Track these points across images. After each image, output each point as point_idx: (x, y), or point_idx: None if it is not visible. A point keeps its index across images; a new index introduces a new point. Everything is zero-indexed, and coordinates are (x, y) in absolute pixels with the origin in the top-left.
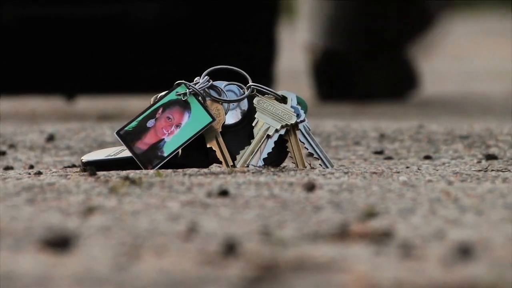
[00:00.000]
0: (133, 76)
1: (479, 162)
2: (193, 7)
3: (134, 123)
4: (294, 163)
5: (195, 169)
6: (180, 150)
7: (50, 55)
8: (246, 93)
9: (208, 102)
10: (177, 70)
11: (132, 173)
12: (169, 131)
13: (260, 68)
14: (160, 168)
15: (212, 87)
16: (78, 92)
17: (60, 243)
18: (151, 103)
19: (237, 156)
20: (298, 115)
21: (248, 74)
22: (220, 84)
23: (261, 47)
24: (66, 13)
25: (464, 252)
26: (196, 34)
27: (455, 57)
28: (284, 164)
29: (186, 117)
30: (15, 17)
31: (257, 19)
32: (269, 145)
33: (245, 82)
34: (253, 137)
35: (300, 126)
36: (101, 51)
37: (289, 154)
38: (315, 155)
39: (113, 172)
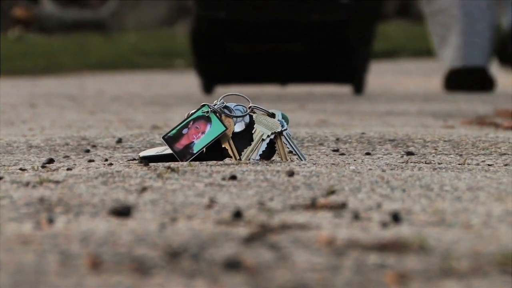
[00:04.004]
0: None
1: (402, 156)
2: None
3: (174, 131)
4: (280, 157)
5: (214, 162)
6: (204, 149)
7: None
8: (248, 111)
9: (223, 117)
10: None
11: (172, 164)
12: (197, 136)
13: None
14: (191, 161)
15: (225, 107)
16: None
17: (123, 211)
18: (185, 117)
19: (242, 153)
20: (282, 126)
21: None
22: (231, 105)
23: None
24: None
25: (395, 217)
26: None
27: (383, 87)
28: (273, 158)
29: (208, 127)
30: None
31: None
32: (263, 146)
33: (247, 103)
34: (252, 140)
35: (284, 133)
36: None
37: (276, 152)
38: (294, 152)
39: (160, 163)
